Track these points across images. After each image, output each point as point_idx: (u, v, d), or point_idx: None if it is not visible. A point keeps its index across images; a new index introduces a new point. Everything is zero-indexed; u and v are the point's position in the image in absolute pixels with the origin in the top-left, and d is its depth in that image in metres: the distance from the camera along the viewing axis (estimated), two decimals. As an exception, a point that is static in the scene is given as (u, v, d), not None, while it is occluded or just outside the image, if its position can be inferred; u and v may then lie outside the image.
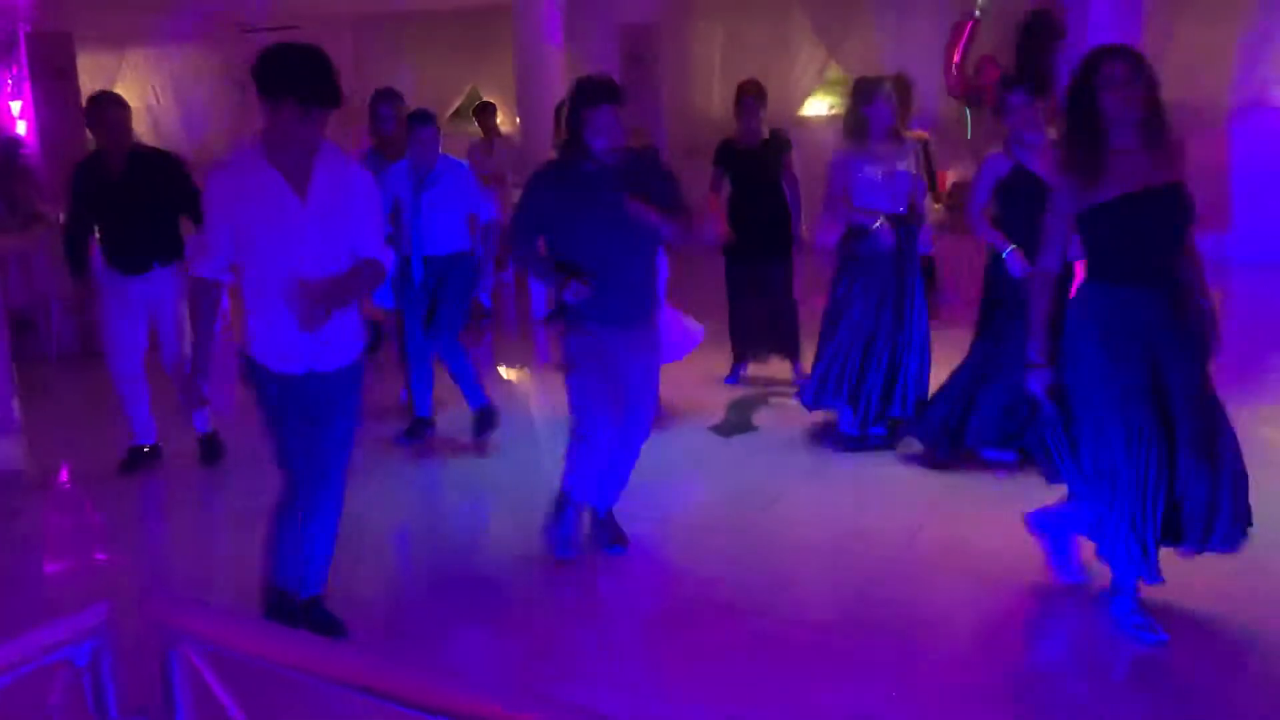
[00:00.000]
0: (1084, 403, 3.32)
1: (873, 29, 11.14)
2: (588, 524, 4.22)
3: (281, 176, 3.20)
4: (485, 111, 9.14)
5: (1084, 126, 3.23)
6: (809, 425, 5.53)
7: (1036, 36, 9.86)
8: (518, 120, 9.27)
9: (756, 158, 5.95)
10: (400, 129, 5.48)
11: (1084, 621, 3.60)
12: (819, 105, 12.21)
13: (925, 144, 5.93)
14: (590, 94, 3.79)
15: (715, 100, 12.11)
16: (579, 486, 4.09)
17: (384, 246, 3.43)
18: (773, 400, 6.10)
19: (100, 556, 4.54)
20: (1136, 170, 3.20)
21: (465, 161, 5.54)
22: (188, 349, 4.94)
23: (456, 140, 11.38)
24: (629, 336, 3.95)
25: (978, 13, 9.51)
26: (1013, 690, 3.28)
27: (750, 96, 6.10)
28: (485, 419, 5.49)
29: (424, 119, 5.26)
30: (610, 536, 4.21)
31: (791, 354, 6.27)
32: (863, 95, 5.08)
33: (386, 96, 5.80)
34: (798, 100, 12.09)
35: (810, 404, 5.27)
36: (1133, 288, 3.26)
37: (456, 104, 14.15)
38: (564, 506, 4.12)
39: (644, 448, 4.17)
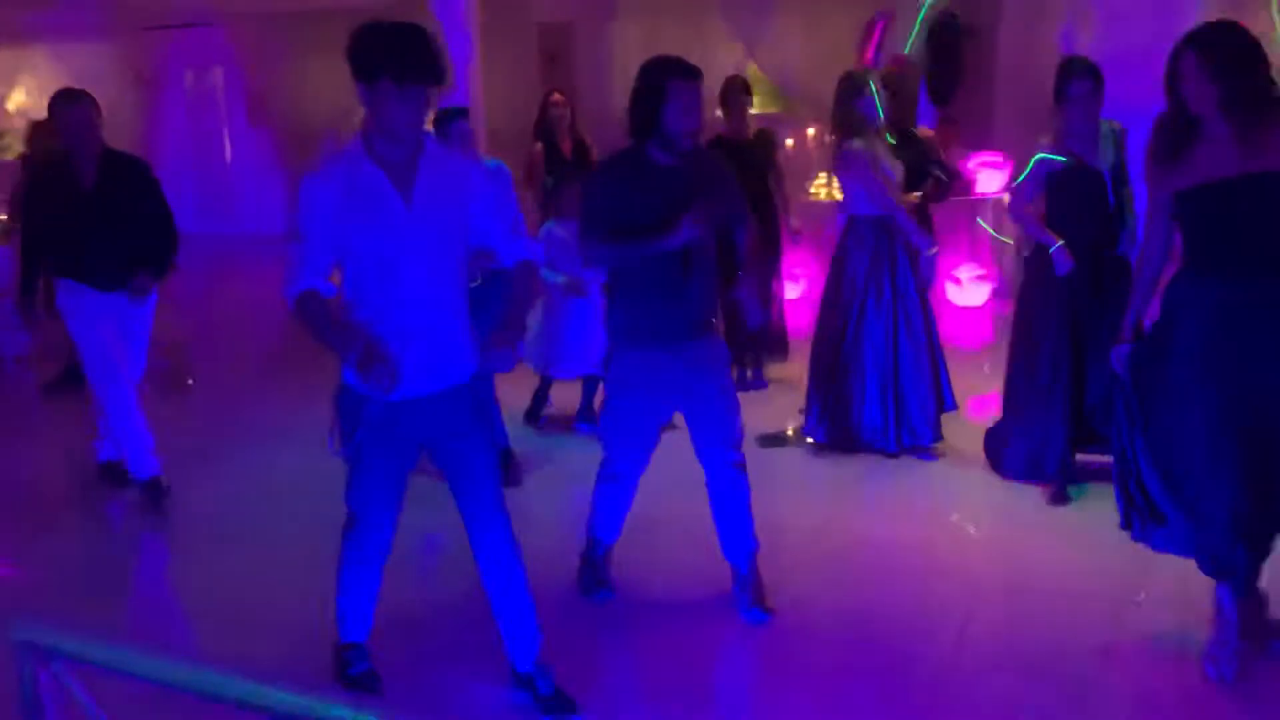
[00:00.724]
0: (1163, 397, 3.21)
1: (789, 29, 11.23)
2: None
3: (384, 174, 2.80)
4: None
5: (1170, 113, 3.13)
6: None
7: (946, 37, 10.05)
8: (432, 119, 9.16)
9: (745, 153, 5.91)
10: None
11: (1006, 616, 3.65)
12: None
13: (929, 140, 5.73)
14: (679, 67, 3.32)
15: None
16: (600, 522, 3.74)
17: (528, 241, 3.06)
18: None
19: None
20: (1224, 158, 3.04)
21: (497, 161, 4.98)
22: (142, 366, 4.82)
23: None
24: (689, 355, 3.48)
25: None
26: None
27: (737, 93, 6.09)
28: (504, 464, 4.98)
29: (459, 113, 4.64)
30: (749, 598, 3.62)
31: (779, 354, 6.25)
32: (856, 88, 4.92)
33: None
34: (717, 101, 12.14)
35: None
36: (1220, 279, 3.11)
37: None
38: (594, 549, 3.78)
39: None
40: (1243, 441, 3.05)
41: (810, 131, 9.33)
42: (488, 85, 8.78)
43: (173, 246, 4.76)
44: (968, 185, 8.46)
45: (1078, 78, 4.32)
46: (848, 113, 4.94)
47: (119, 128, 14.08)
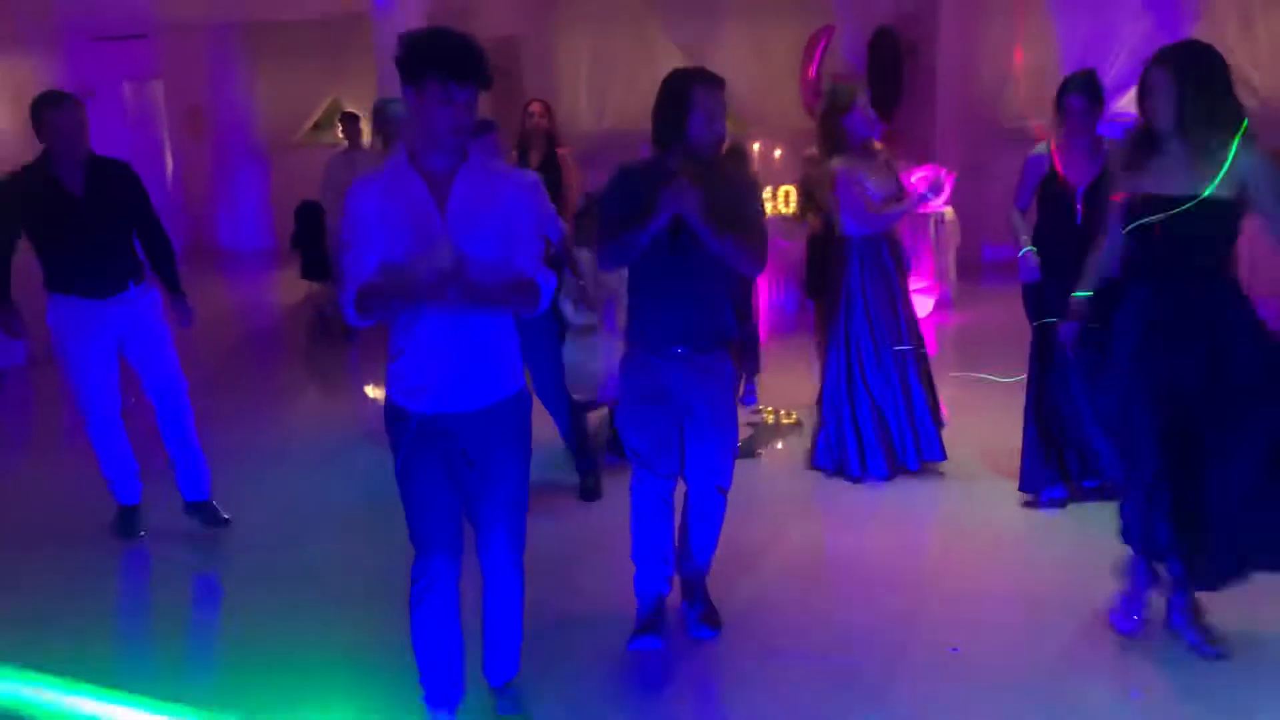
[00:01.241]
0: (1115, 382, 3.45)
1: (733, 43, 11.33)
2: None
3: (425, 185, 2.78)
4: (351, 121, 8.94)
5: (1137, 125, 3.34)
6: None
7: (886, 51, 10.21)
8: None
9: (720, 169, 5.86)
10: None
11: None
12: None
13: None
14: (703, 75, 3.32)
15: (582, 113, 12.16)
16: (638, 567, 3.59)
17: (543, 268, 2.90)
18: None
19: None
20: (1175, 175, 3.23)
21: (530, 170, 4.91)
22: (179, 380, 4.56)
23: (317, 151, 11.12)
24: (693, 367, 3.43)
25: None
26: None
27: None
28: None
29: (487, 126, 4.45)
30: (699, 612, 3.63)
31: (750, 370, 6.24)
32: (841, 104, 4.85)
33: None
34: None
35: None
36: (1157, 283, 3.32)
37: (317, 116, 13.83)
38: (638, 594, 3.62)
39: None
40: (1166, 432, 3.28)
41: (755, 146, 9.41)
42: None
43: (171, 250, 4.63)
44: (914, 201, 8.57)
45: (1075, 93, 4.34)
46: (830, 130, 4.88)
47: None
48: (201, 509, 4.70)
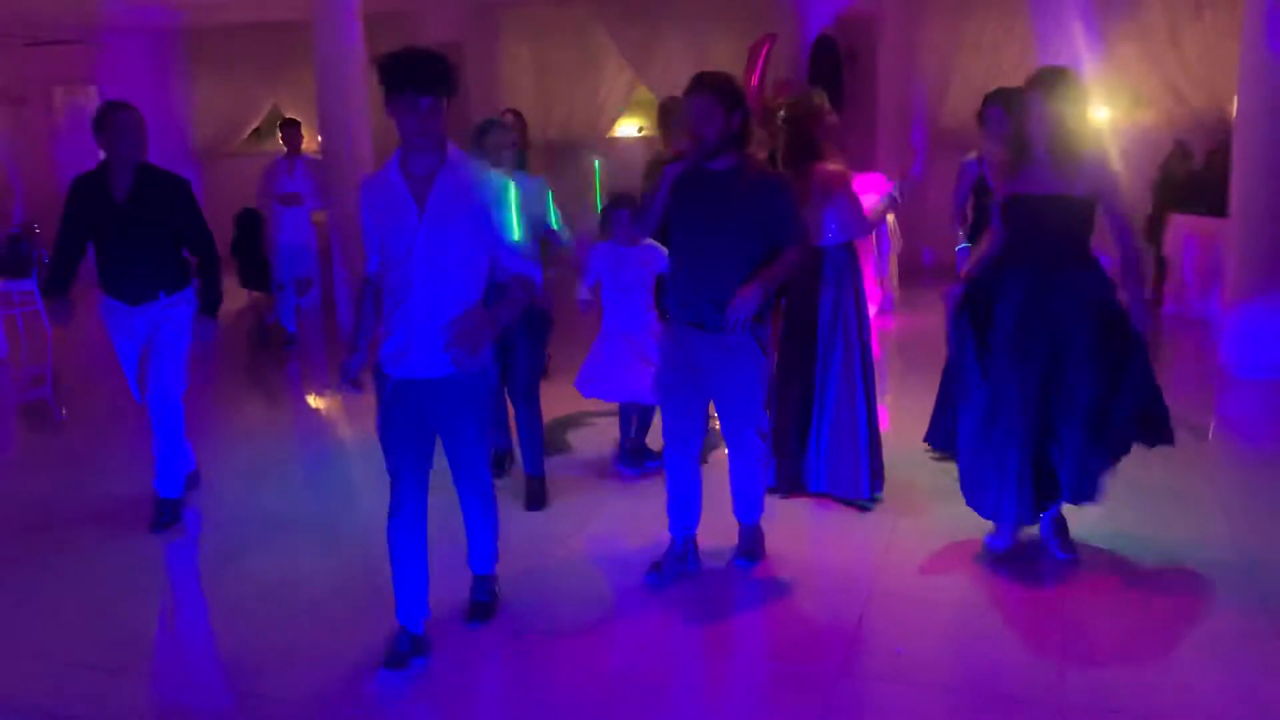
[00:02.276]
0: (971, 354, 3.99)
1: (675, 51, 11.38)
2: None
3: (405, 184, 3.24)
4: (291, 128, 8.83)
5: (1013, 135, 4.00)
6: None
7: (826, 58, 10.31)
8: (319, 139, 8.99)
9: None
10: None
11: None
12: (629, 127, 12.39)
13: None
14: (689, 85, 3.74)
15: (526, 120, 12.10)
16: (669, 513, 4.05)
17: (528, 260, 3.42)
18: (589, 421, 6.10)
19: None
20: (1041, 178, 3.83)
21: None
22: (176, 385, 4.67)
23: (257, 158, 10.97)
24: (716, 341, 3.79)
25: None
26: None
27: (672, 114, 6.05)
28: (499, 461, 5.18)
29: (491, 125, 4.83)
30: (741, 548, 4.16)
31: None
32: (819, 111, 4.69)
33: None
34: (607, 121, 12.23)
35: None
36: (1026, 269, 3.87)
37: (257, 122, 13.65)
38: (671, 544, 4.08)
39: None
40: (1027, 406, 3.84)
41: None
42: (374, 104, 8.66)
43: (212, 268, 4.72)
44: (855, 208, 8.65)
45: (994, 104, 4.90)
46: (806, 137, 4.61)
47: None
48: (169, 506, 4.79)
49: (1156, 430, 3.97)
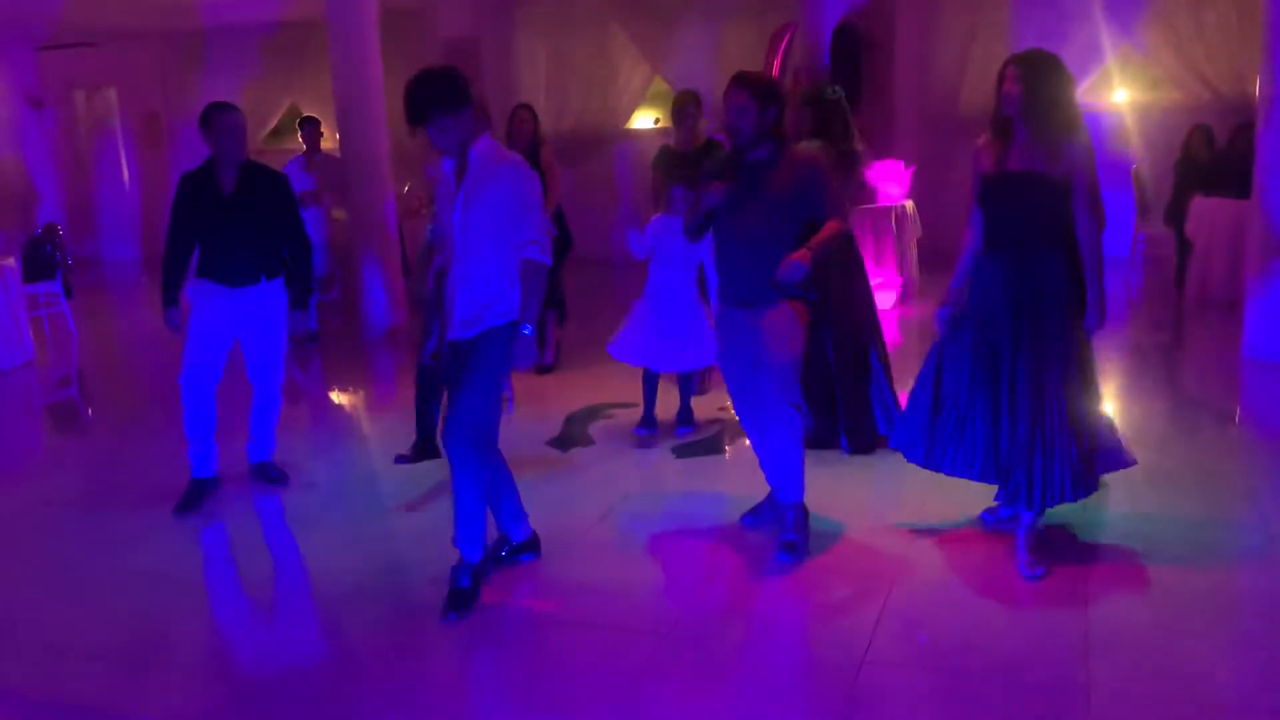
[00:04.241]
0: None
1: (692, 42, 11.35)
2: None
3: (453, 176, 3.75)
4: (311, 125, 8.87)
5: (994, 113, 3.89)
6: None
7: (846, 47, 10.28)
8: (338, 136, 9.02)
9: (695, 164, 5.97)
10: None
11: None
12: (646, 119, 12.38)
13: None
14: (729, 80, 4.03)
15: (541, 114, 12.11)
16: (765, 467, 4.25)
17: (542, 247, 3.69)
18: (610, 414, 6.12)
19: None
20: (1018, 157, 3.81)
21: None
22: (277, 366, 5.07)
23: (276, 157, 11.03)
24: (757, 316, 4.05)
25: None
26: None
27: (690, 105, 6.37)
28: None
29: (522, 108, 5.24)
30: (781, 539, 4.19)
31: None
32: (839, 98, 5.17)
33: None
34: (625, 113, 12.23)
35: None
36: (1000, 252, 3.87)
37: (275, 121, 13.72)
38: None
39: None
40: (992, 381, 3.84)
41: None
42: (391, 100, 8.69)
43: (305, 259, 5.07)
44: (873, 194, 8.66)
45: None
46: (833, 120, 5.19)
47: (13, 153, 13.72)
48: (265, 468, 5.24)
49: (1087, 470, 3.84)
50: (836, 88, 5.99)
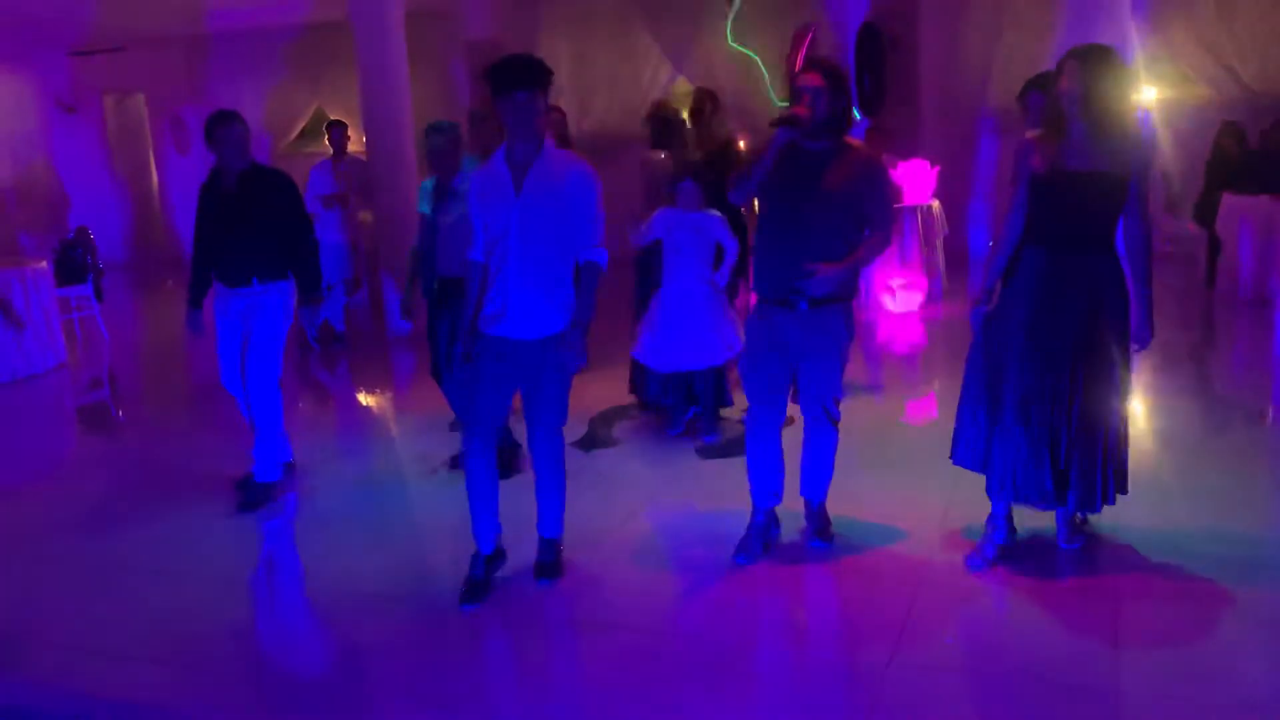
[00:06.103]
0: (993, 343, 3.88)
1: (714, 42, 11.34)
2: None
3: (507, 171, 3.70)
4: (338, 129, 8.92)
5: (1047, 106, 3.80)
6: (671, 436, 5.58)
7: (870, 46, 10.24)
8: (364, 139, 9.06)
9: (714, 163, 5.97)
10: None
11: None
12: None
13: None
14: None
15: (566, 115, 12.14)
16: (752, 486, 4.13)
17: (598, 244, 3.76)
18: (634, 415, 6.12)
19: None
20: (1074, 154, 3.66)
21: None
22: (271, 370, 4.97)
23: (303, 161, 11.12)
24: (803, 318, 3.90)
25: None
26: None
27: (708, 104, 6.32)
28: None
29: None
30: (814, 528, 4.21)
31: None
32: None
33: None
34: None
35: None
36: (1045, 249, 3.74)
37: (302, 124, 13.81)
38: (754, 514, 4.17)
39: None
40: (1042, 388, 3.72)
41: (741, 144, 9.42)
42: (417, 102, 8.74)
43: (307, 255, 5.07)
44: (897, 193, 8.61)
45: (1034, 90, 4.64)
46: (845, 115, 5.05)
47: (45, 157, 13.87)
48: (262, 489, 5.06)
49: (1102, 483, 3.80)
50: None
